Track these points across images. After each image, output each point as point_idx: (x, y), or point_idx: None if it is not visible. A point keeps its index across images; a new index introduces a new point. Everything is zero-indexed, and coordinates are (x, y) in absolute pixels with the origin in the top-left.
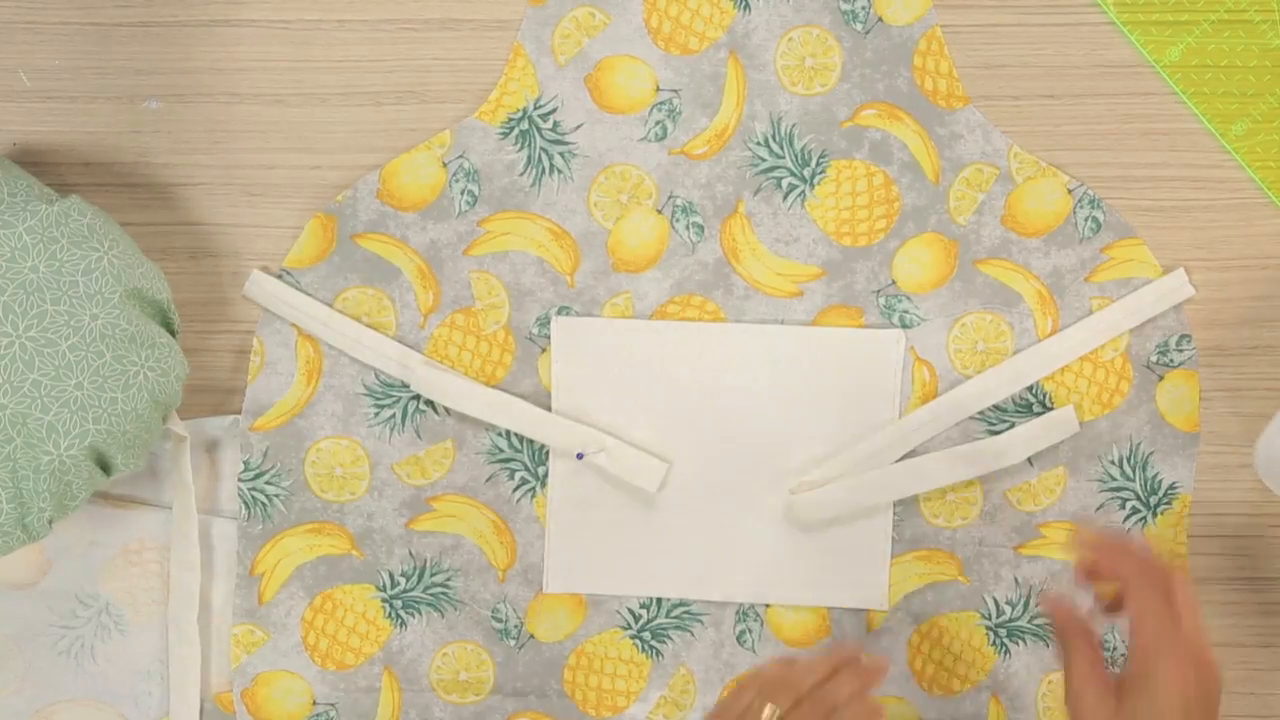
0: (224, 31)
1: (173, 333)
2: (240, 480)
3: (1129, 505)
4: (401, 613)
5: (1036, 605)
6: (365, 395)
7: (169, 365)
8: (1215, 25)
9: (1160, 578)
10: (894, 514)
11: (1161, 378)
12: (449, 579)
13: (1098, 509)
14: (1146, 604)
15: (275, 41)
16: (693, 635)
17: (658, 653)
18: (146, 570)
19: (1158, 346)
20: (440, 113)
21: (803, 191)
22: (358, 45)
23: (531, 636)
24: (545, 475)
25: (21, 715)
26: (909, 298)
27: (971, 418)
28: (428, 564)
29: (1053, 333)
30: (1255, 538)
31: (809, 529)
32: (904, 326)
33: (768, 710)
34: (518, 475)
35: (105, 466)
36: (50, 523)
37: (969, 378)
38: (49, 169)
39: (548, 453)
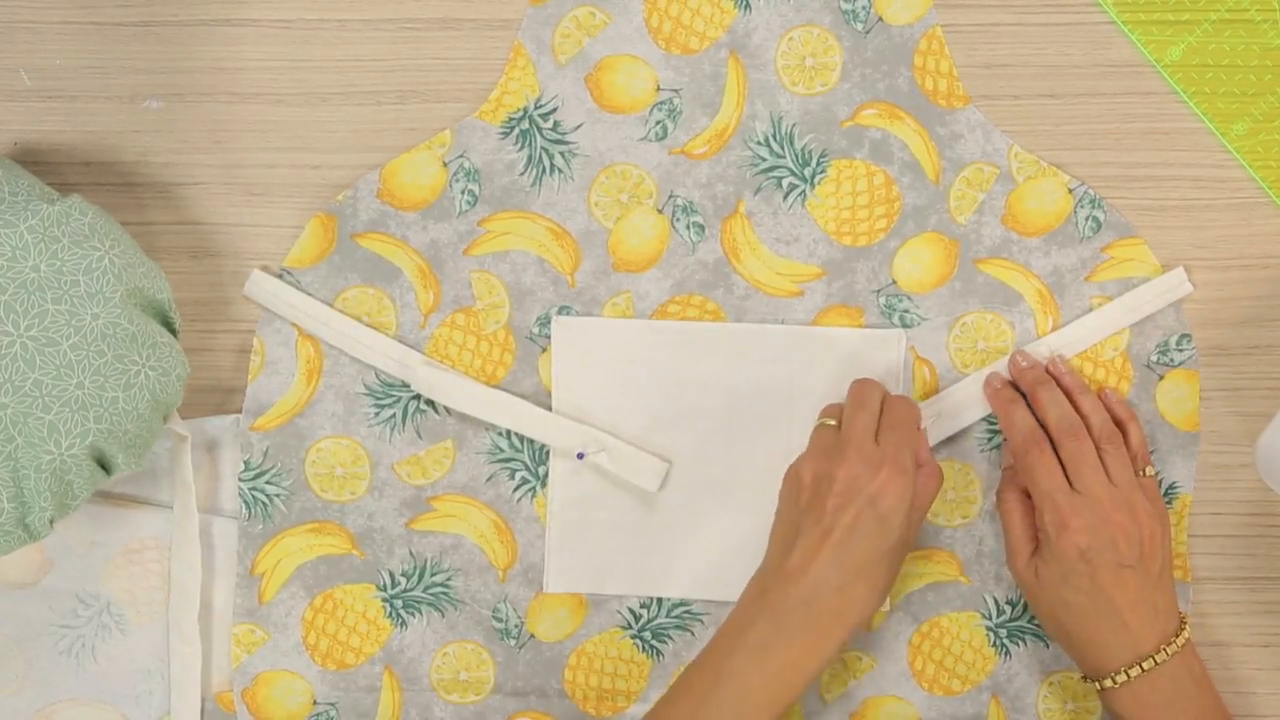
0: (224, 31)
1: (173, 332)
2: (241, 480)
3: None
4: (402, 612)
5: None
6: (365, 395)
7: (170, 365)
8: (1216, 25)
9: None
10: None
11: (1161, 377)
12: (449, 579)
13: None
14: (1029, 469)
15: (276, 41)
16: (693, 635)
17: (658, 652)
18: (147, 570)
19: (1158, 346)
20: (441, 112)
21: (803, 191)
22: (358, 45)
23: (532, 636)
24: (545, 475)
25: (22, 715)
26: (909, 297)
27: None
28: (428, 564)
29: (1053, 331)
30: (1255, 538)
31: None
32: (904, 326)
33: (830, 422)
34: (518, 475)
35: (106, 466)
36: (51, 522)
37: (969, 377)
38: (50, 169)
39: (548, 452)
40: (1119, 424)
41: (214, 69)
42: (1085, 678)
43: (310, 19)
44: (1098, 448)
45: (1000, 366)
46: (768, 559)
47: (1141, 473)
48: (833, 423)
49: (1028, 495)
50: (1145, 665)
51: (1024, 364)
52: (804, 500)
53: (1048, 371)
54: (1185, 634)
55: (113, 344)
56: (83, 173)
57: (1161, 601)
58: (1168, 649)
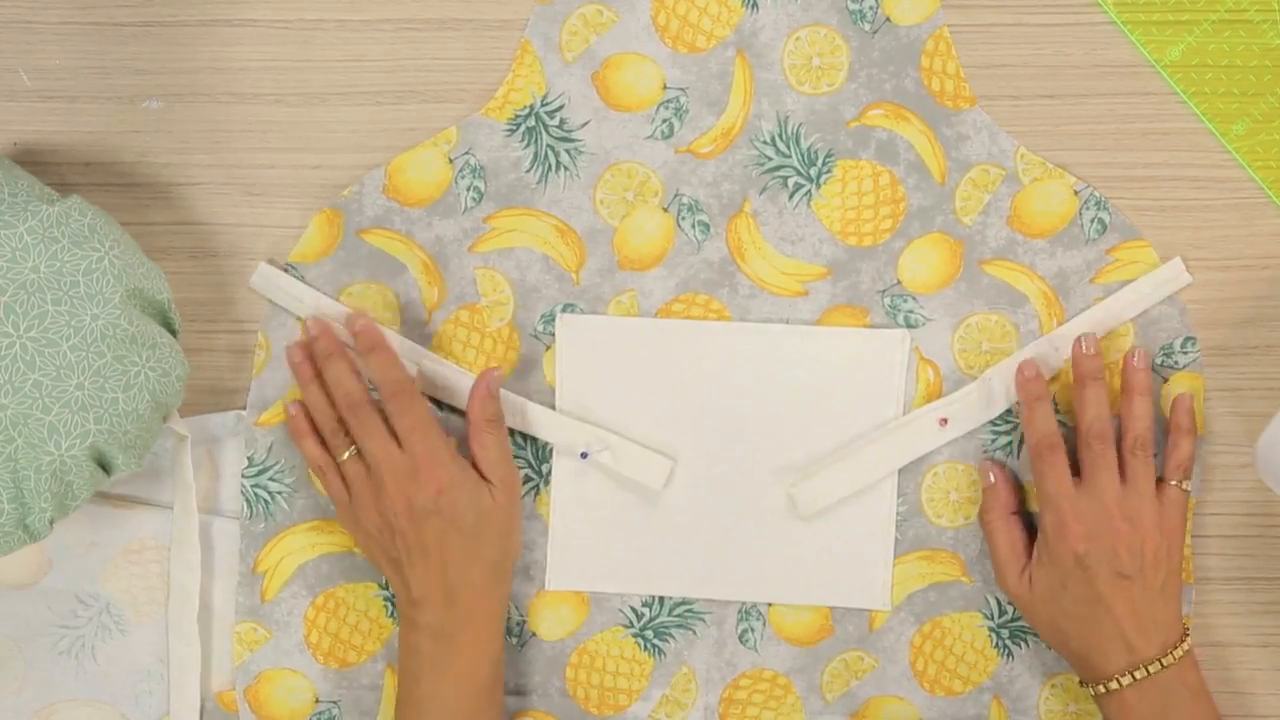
0: (224, 31)
1: (173, 333)
2: (244, 476)
3: None
4: None
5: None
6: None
7: (170, 365)
8: (1216, 25)
9: (1048, 441)
10: (897, 514)
11: (1166, 380)
12: None
13: None
14: (1039, 470)
15: (275, 41)
16: (695, 634)
17: (660, 651)
18: (147, 570)
19: (1162, 348)
20: (441, 112)
21: (809, 191)
22: (358, 45)
23: (533, 634)
24: (549, 473)
25: (21, 715)
26: (914, 298)
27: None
28: None
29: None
30: (1255, 538)
31: (812, 526)
32: (909, 326)
33: (345, 456)
34: (521, 473)
35: (106, 466)
36: (51, 523)
37: (974, 378)
38: (49, 169)
39: (551, 450)
40: (1176, 430)
41: (214, 69)
42: (1082, 682)
43: (310, 19)
44: (1130, 452)
45: (999, 366)
46: (398, 594)
47: (1178, 484)
48: (353, 451)
49: (1012, 513)
50: (1138, 674)
51: (1089, 352)
52: (386, 541)
53: (1131, 364)
54: (1185, 646)
55: (112, 345)
56: (83, 173)
57: (1161, 614)
58: (1163, 660)
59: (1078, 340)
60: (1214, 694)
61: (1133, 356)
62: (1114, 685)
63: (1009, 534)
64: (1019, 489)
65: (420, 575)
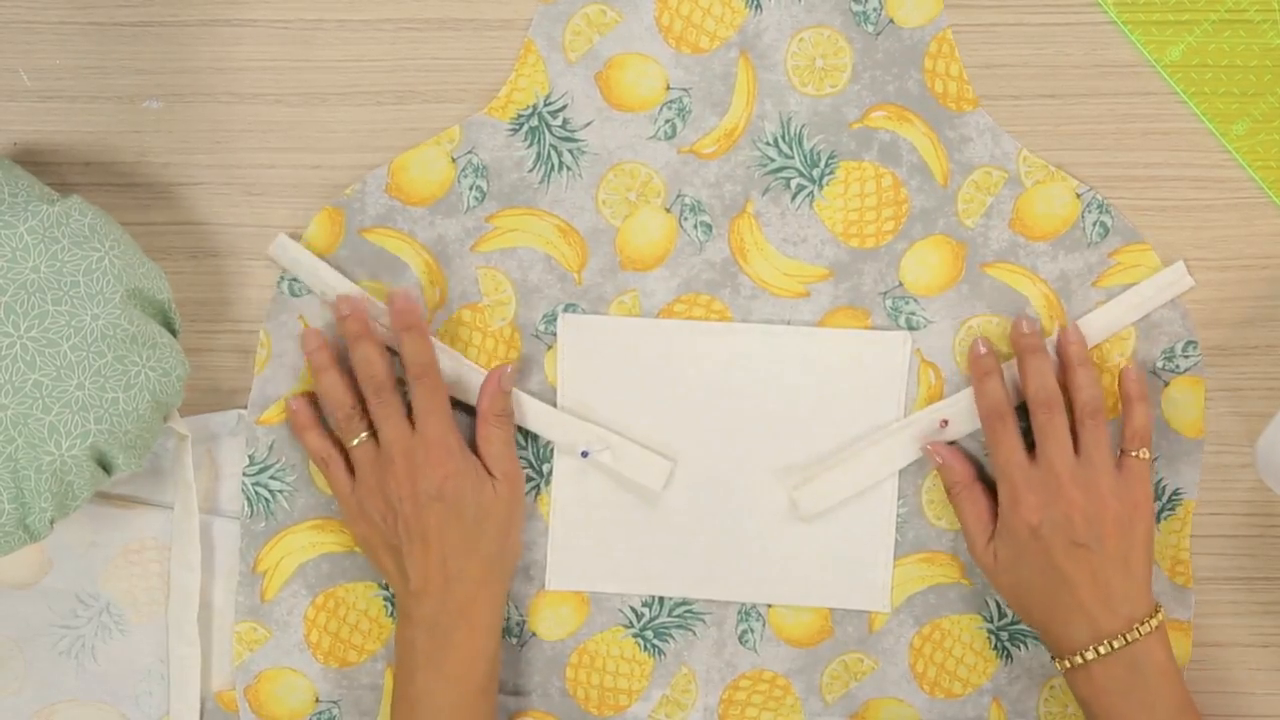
0: (224, 31)
1: (174, 332)
2: (245, 475)
3: None
4: None
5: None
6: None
7: (170, 365)
8: (1216, 25)
9: (999, 409)
10: (897, 516)
11: (1167, 383)
12: None
13: None
14: (991, 441)
15: (275, 41)
16: (695, 634)
17: (660, 651)
18: (147, 570)
19: (1164, 352)
20: (441, 112)
21: (811, 192)
22: (358, 45)
23: (533, 634)
24: (549, 472)
25: (22, 715)
26: (916, 300)
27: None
28: None
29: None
30: (1255, 538)
31: (812, 527)
32: (910, 328)
33: (355, 441)
34: (522, 472)
35: (106, 466)
36: (51, 523)
37: None
38: (49, 169)
39: (552, 450)
40: (1127, 400)
41: (214, 69)
42: (1053, 657)
43: (310, 19)
44: (1080, 422)
45: (1010, 367)
46: (395, 587)
47: (1136, 454)
48: (364, 436)
49: (974, 481)
50: (1101, 648)
51: (1025, 330)
52: (388, 528)
53: (1064, 336)
54: (1153, 622)
55: (113, 345)
56: (83, 173)
57: (1125, 586)
58: (1128, 635)
59: (1017, 321)
60: (1214, 694)
61: (1066, 330)
62: (1078, 660)
63: (975, 505)
64: (972, 459)
65: (419, 562)
